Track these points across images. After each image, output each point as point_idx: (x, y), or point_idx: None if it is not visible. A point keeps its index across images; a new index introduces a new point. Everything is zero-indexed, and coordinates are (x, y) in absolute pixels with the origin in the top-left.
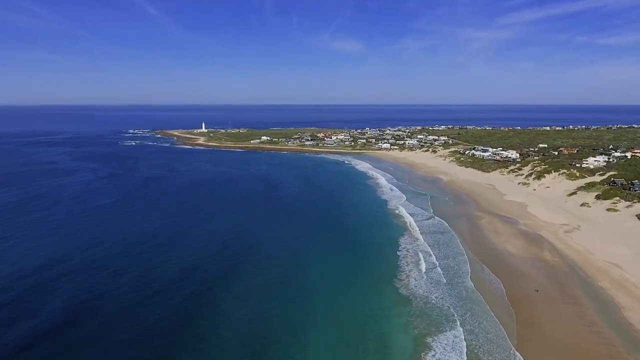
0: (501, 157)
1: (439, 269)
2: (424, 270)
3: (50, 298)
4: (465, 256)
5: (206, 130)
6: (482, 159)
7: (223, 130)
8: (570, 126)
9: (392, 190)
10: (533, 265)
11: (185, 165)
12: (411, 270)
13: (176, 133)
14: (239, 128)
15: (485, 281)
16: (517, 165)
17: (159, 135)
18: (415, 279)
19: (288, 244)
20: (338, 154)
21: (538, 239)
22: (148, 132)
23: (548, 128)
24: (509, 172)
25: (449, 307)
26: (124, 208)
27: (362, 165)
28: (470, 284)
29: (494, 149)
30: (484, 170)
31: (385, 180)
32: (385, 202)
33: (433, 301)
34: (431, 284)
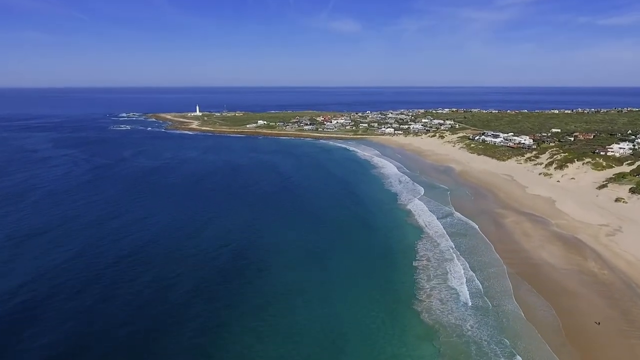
0: (514, 144)
1: (476, 283)
2: (452, 286)
3: (15, 336)
4: (504, 267)
5: (200, 114)
6: (494, 145)
7: (218, 114)
8: (579, 109)
9: (401, 182)
10: (580, 280)
11: (178, 153)
12: (434, 287)
13: (169, 117)
14: (234, 111)
15: (532, 305)
16: (534, 152)
17: (152, 119)
18: (440, 301)
19: (293, 255)
20: (339, 139)
21: (577, 245)
22: (140, 115)
23: (557, 111)
24: (525, 160)
25: (490, 342)
26: (109, 209)
27: (366, 153)
28: (516, 308)
29: (505, 134)
30: (498, 159)
31: (393, 169)
32: (396, 195)
33: (468, 334)
34: (463, 307)
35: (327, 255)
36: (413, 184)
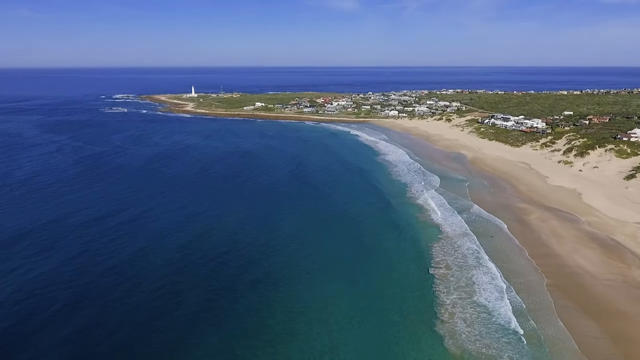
0: (527, 128)
1: (509, 298)
2: (479, 302)
3: None
4: (542, 277)
5: (196, 95)
6: (506, 129)
7: (214, 95)
8: (587, 90)
9: (410, 170)
10: (629, 296)
11: (171, 139)
12: (456, 303)
13: (163, 98)
14: (231, 92)
15: (582, 330)
16: (549, 137)
17: (145, 101)
18: (465, 322)
19: (298, 263)
20: (341, 122)
21: (616, 248)
22: (134, 97)
23: (565, 92)
24: (541, 146)
25: None
26: (99, 206)
27: (370, 137)
28: (564, 335)
29: (516, 117)
30: (511, 144)
31: (400, 156)
32: (406, 187)
33: None
34: (497, 331)
35: (334, 261)
36: (423, 173)
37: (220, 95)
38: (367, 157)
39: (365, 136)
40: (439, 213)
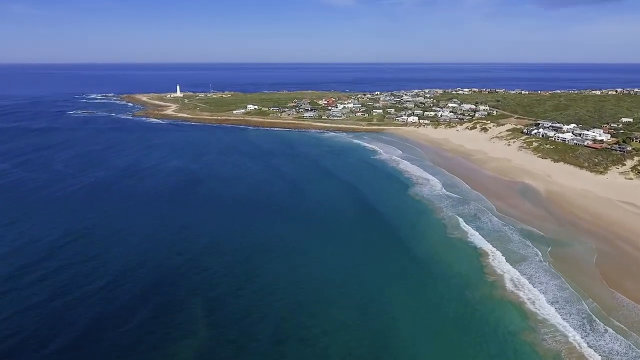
0: (593, 142)
1: None
2: None
3: None
4: None
5: (181, 95)
6: (566, 144)
7: (202, 95)
8: (618, 89)
9: (467, 218)
10: None
11: (126, 159)
12: None
13: (144, 98)
14: (222, 91)
15: None
16: (637, 159)
17: (123, 102)
18: None
19: None
20: (350, 131)
21: None
22: (113, 96)
23: (598, 92)
24: (634, 172)
25: None
26: None
27: (393, 155)
28: None
29: (568, 126)
30: (588, 169)
31: (442, 190)
32: (476, 257)
33: None
34: None
35: None
36: (491, 223)
37: (208, 95)
38: (396, 190)
39: (385, 153)
40: (579, 338)
